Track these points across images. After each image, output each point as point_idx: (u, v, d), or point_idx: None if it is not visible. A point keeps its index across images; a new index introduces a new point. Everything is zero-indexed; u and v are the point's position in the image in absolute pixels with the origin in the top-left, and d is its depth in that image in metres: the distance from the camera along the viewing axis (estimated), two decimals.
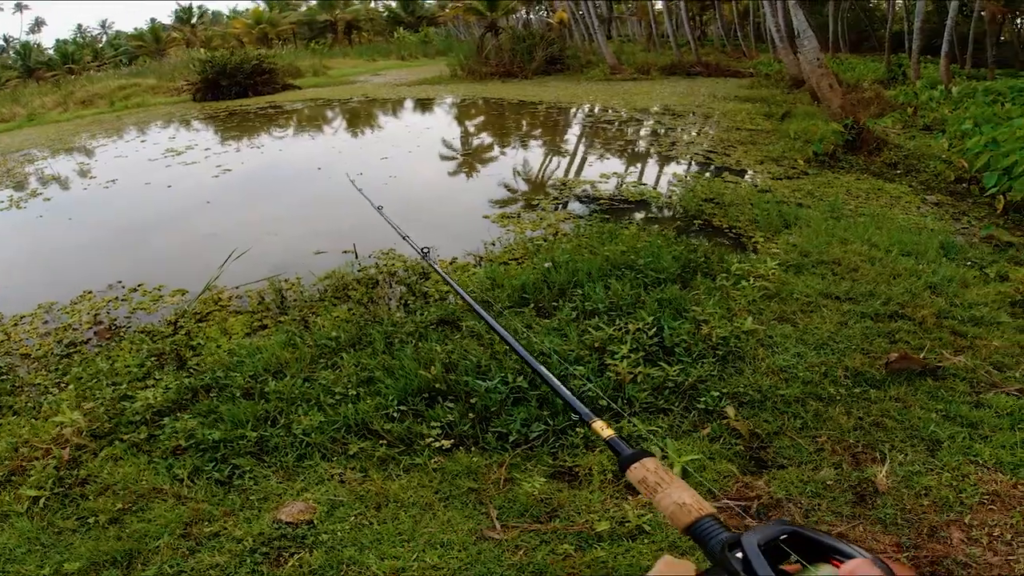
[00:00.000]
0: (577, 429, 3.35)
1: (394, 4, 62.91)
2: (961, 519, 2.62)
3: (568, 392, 1.02)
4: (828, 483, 2.86)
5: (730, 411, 3.42)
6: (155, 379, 4.24)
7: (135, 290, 6.03)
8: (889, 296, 4.64)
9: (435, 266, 1.63)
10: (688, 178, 9.22)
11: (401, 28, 57.51)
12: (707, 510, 0.68)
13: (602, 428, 0.90)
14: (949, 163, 8.87)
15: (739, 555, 0.57)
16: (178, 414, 3.73)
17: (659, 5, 42.45)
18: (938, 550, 2.45)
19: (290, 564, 2.58)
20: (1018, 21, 32.73)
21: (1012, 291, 4.64)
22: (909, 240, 5.75)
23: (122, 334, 5.12)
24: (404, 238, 2.83)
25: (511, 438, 3.34)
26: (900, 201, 7.56)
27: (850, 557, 0.54)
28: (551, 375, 1.07)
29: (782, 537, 0.59)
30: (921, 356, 3.80)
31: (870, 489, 2.81)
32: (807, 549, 0.58)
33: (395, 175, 10.37)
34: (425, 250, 2.32)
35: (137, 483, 3.16)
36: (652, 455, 0.80)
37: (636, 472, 0.79)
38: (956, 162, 8.62)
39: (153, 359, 4.56)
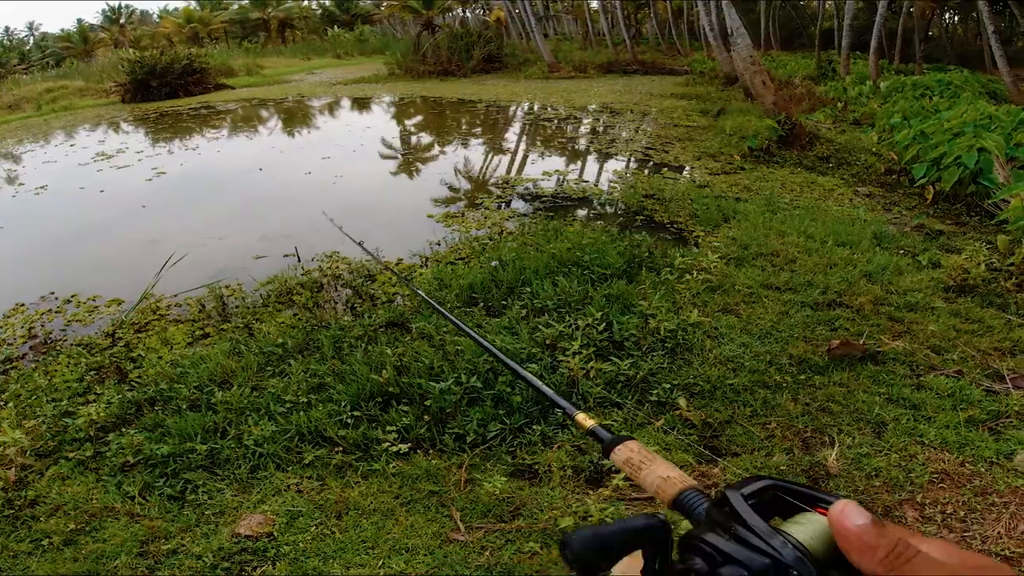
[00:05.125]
0: (534, 426, 3.37)
1: (328, 2, 62.03)
2: (913, 498, 2.73)
3: (549, 389, 1.05)
4: (781, 468, 2.95)
5: (682, 402, 3.48)
6: (96, 394, 4.09)
7: (69, 301, 5.80)
8: (827, 285, 4.80)
9: (419, 292, 1.62)
10: (628, 175, 9.34)
11: (336, 26, 56.70)
12: (689, 483, 0.71)
13: (585, 419, 0.93)
14: (879, 156, 9.18)
15: (726, 509, 0.59)
16: (123, 429, 3.61)
17: (595, 4, 42.85)
18: None
19: None
20: (946, 16, 34.05)
21: (945, 277, 4.85)
22: (843, 231, 5.94)
23: (58, 348, 4.93)
24: (386, 268, 2.77)
25: (468, 439, 3.34)
26: (833, 193, 7.81)
27: (831, 503, 0.56)
28: (531, 376, 1.10)
29: (768, 491, 0.61)
30: (861, 342, 3.94)
31: (822, 472, 2.90)
32: (789, 501, 0.60)
33: (340, 175, 10.26)
34: (407, 276, 2.27)
35: (88, 502, 3.05)
36: (634, 438, 0.82)
37: (620, 454, 0.82)
38: (886, 155, 8.94)
39: (92, 373, 4.40)
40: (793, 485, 0.60)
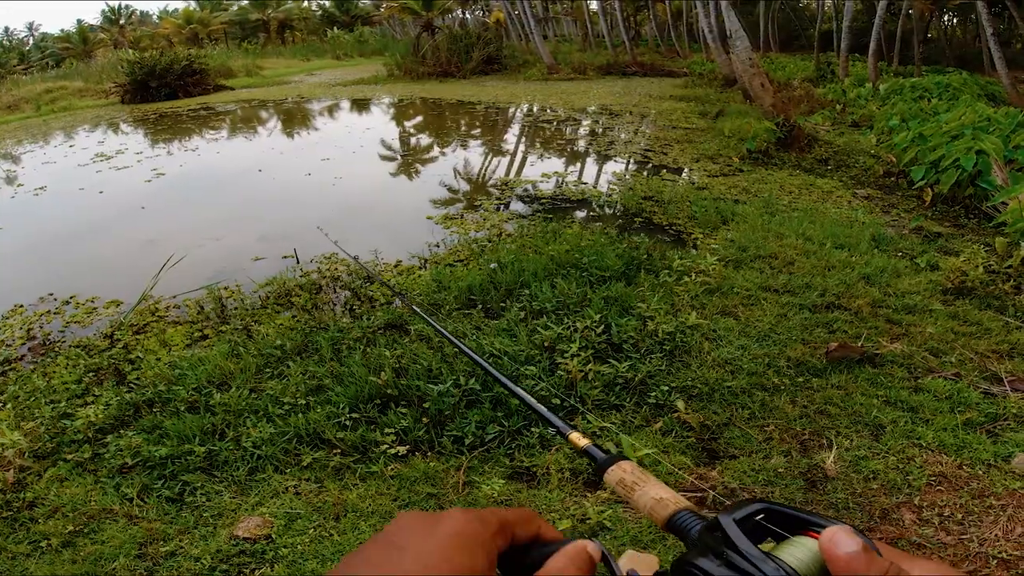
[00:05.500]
0: (532, 429, 3.38)
1: (328, 3, 62.04)
2: (911, 501, 2.73)
3: (544, 408, 1.05)
4: (779, 471, 2.95)
5: (680, 404, 3.49)
6: (94, 395, 4.09)
7: (67, 302, 5.80)
8: (825, 288, 4.80)
9: (418, 311, 1.62)
10: (627, 176, 9.35)
11: (335, 27, 56.71)
12: (683, 503, 0.70)
13: (579, 439, 0.93)
14: (878, 158, 9.20)
15: (719, 534, 0.59)
16: (121, 431, 3.61)
17: (594, 5, 42.89)
18: (892, 532, 2.56)
19: None
20: (945, 19, 34.09)
21: (943, 279, 4.85)
22: (842, 233, 5.95)
23: (57, 349, 4.92)
24: (382, 284, 2.81)
25: (467, 441, 3.34)
26: (832, 196, 7.81)
27: (825, 527, 0.56)
28: (527, 394, 1.10)
29: (758, 516, 0.60)
30: (859, 344, 3.95)
31: (820, 475, 2.91)
32: (781, 524, 0.60)
33: (340, 176, 10.28)
34: (402, 292, 2.29)
35: (86, 504, 3.05)
36: (627, 458, 0.82)
37: (613, 474, 0.81)
38: (884, 157, 8.95)
39: (91, 375, 4.40)
40: (786, 509, 0.60)
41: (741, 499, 0.63)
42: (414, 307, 1.81)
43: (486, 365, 1.24)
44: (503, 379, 1.17)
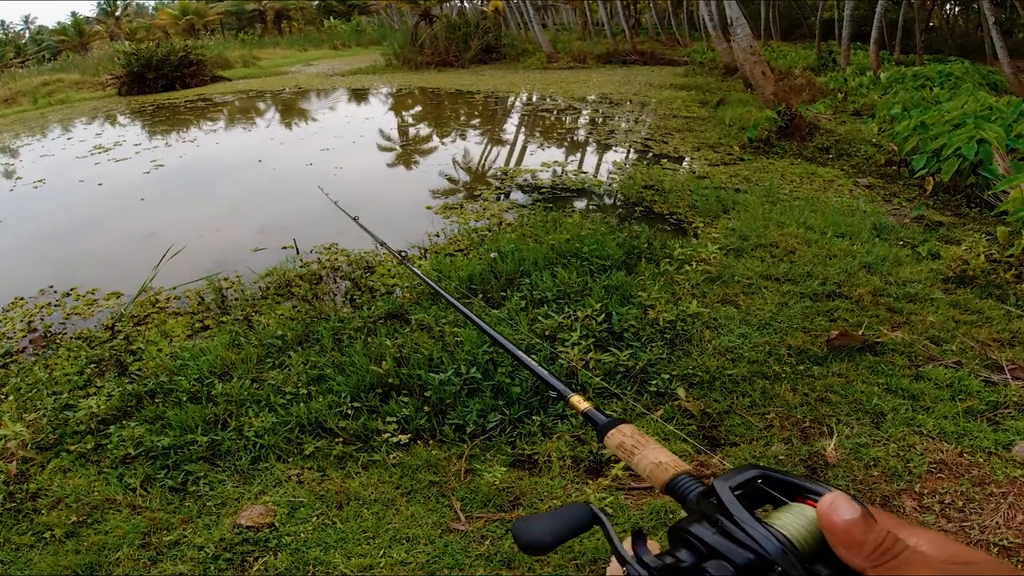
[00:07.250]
0: (533, 417, 3.38)
1: None
2: (911, 488, 2.74)
3: (545, 371, 1.05)
4: (780, 458, 2.96)
5: (681, 392, 3.49)
6: (96, 387, 4.10)
7: (68, 294, 5.80)
8: (826, 276, 4.80)
9: (414, 269, 1.63)
10: (627, 165, 9.32)
11: (332, 17, 56.45)
12: (683, 467, 0.71)
13: (579, 402, 0.94)
14: (879, 147, 9.17)
15: (714, 501, 0.59)
16: (124, 422, 3.62)
17: None
18: None
19: (255, 568, 2.55)
20: (947, 8, 33.93)
21: (944, 268, 4.85)
22: (843, 222, 5.94)
23: (58, 341, 4.93)
24: (382, 244, 2.84)
25: (468, 429, 3.35)
26: (833, 184, 7.79)
27: (821, 495, 0.56)
28: (527, 357, 1.11)
29: (757, 481, 0.60)
30: (860, 333, 3.95)
31: (820, 462, 2.92)
32: (777, 490, 0.60)
33: (340, 167, 10.26)
34: (403, 254, 2.31)
35: (89, 494, 3.06)
36: (628, 422, 0.82)
37: (614, 438, 0.82)
38: (886, 146, 8.92)
39: (92, 366, 4.41)
40: (783, 476, 0.60)
41: (738, 465, 0.63)
42: (410, 265, 1.82)
43: (477, 320, 1.24)
44: (495, 334, 1.17)
